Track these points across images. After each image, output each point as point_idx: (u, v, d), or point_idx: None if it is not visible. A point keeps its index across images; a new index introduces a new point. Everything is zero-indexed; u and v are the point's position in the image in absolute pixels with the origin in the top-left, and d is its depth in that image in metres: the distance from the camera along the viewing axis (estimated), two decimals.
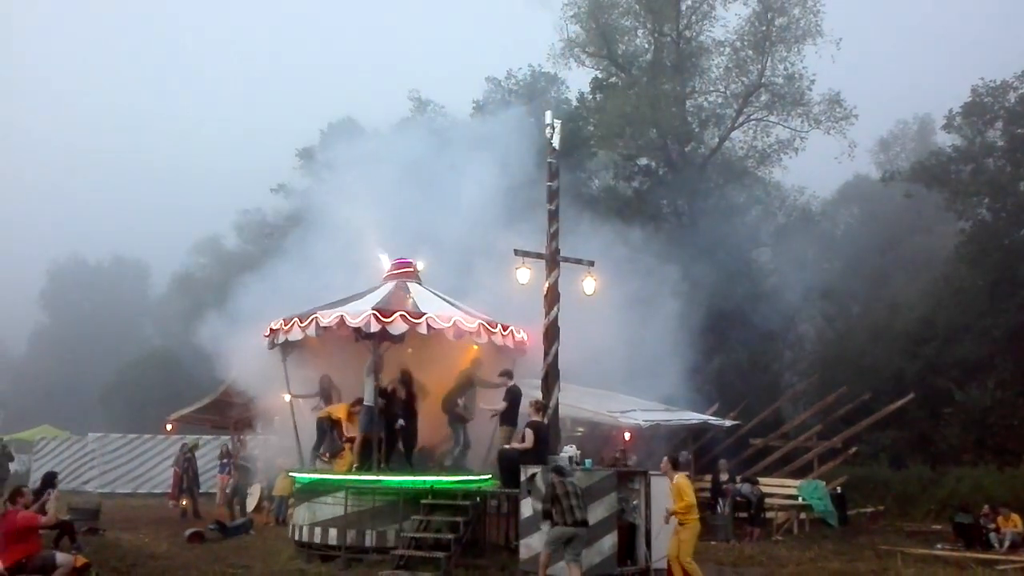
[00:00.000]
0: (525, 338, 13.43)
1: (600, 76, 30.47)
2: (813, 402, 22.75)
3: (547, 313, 12.68)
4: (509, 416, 12.55)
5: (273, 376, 14.08)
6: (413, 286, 13.85)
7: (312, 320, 12.48)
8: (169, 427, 24.24)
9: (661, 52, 30.01)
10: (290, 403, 13.81)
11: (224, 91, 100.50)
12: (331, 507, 12.03)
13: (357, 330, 12.29)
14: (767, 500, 16.69)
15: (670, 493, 10.05)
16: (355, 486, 11.99)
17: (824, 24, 28.07)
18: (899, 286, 31.56)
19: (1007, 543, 14.66)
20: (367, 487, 11.98)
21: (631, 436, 17.14)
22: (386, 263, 14.59)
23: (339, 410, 13.29)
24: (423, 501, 11.62)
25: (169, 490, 21.23)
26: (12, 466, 22.42)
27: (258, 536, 15.11)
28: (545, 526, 9.74)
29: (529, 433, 11.51)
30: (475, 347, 13.40)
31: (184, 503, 18.98)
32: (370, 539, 11.77)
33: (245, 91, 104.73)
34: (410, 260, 14.54)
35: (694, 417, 18.58)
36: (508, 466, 11.60)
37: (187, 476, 19.29)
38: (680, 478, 10.07)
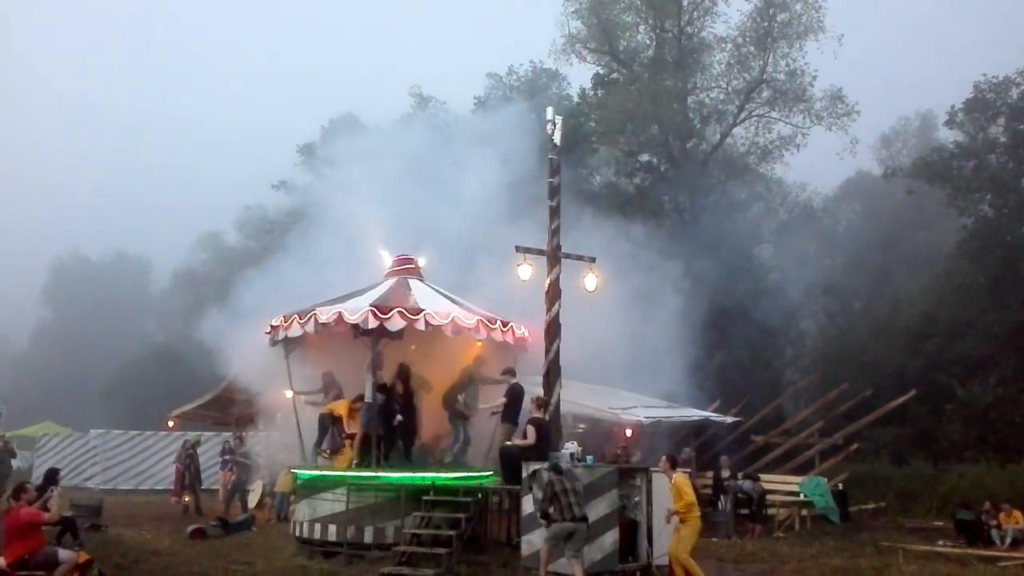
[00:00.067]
0: (526, 334, 13.42)
1: (601, 72, 30.42)
2: (815, 398, 22.76)
3: (548, 309, 12.68)
4: (510, 413, 12.55)
5: (275, 372, 14.09)
6: (414, 282, 13.86)
7: (311, 317, 12.49)
8: (171, 424, 24.28)
9: (663, 48, 29.96)
10: (292, 399, 13.83)
11: (225, 88, 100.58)
12: (333, 503, 12.04)
13: (355, 326, 12.29)
14: (768, 497, 16.68)
15: (669, 492, 10.05)
16: (356, 482, 12.00)
17: (826, 20, 28.04)
18: (901, 282, 31.53)
19: (1009, 540, 14.65)
20: (368, 483, 11.98)
21: (632, 433, 17.15)
22: (387, 259, 14.60)
23: (340, 406, 13.30)
24: (425, 497, 11.62)
25: (171, 487, 21.28)
26: (14, 463, 22.40)
27: (260, 533, 15.13)
28: (537, 530, 9.78)
29: (531, 430, 11.53)
30: (478, 344, 13.39)
31: (186, 499, 19.02)
32: (372, 535, 11.78)
33: (246, 88, 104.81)
34: (412, 256, 14.55)
35: (695, 414, 18.58)
36: (510, 463, 11.62)
37: (189, 473, 19.33)
38: (679, 477, 10.07)
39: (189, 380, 29.75)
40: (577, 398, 15.77)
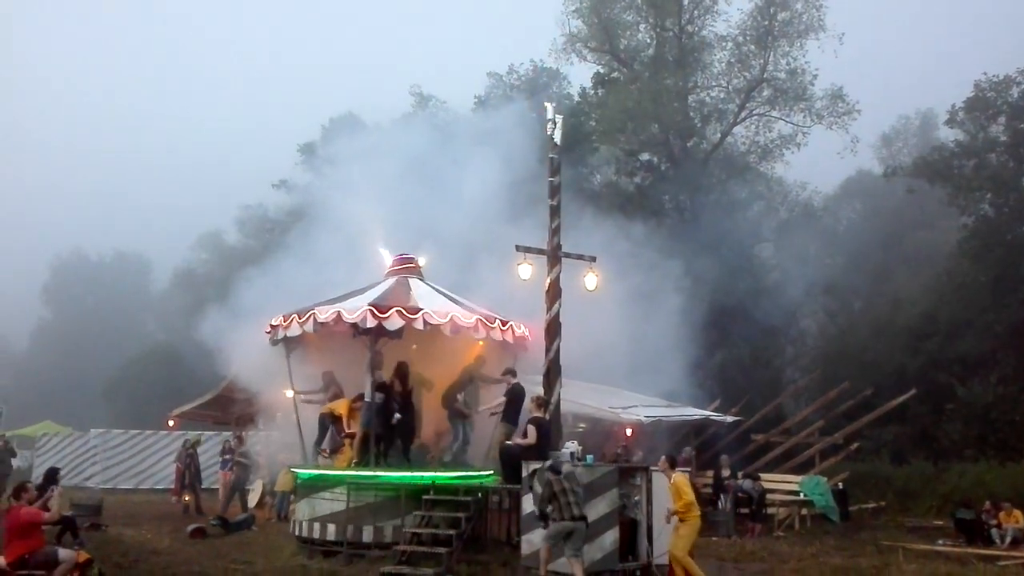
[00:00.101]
0: (526, 333, 13.41)
1: (602, 71, 30.41)
2: (815, 398, 22.75)
3: (549, 308, 12.68)
4: (510, 414, 12.55)
5: (275, 372, 14.09)
6: (414, 282, 13.85)
7: (310, 316, 12.49)
8: (171, 423, 24.29)
9: (663, 47, 29.96)
10: (293, 399, 13.83)
11: (225, 88, 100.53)
12: (333, 503, 12.03)
13: (354, 326, 12.29)
14: (768, 496, 16.68)
15: (669, 492, 10.05)
16: (356, 482, 12.00)
17: (827, 19, 28.08)
18: (901, 282, 31.53)
19: (1009, 539, 14.65)
20: (369, 483, 11.98)
21: (633, 432, 17.15)
22: (388, 259, 14.60)
23: (340, 406, 13.30)
24: (425, 497, 11.62)
25: (171, 486, 21.28)
26: (14, 462, 22.40)
27: (260, 532, 15.12)
28: (538, 530, 9.79)
29: (531, 429, 11.53)
30: (480, 343, 13.38)
31: (187, 499, 19.02)
32: (372, 535, 11.78)
33: (246, 88, 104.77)
34: (412, 256, 14.54)
35: (696, 413, 18.58)
36: (510, 462, 11.62)
37: (189, 472, 19.33)
38: (678, 476, 10.07)
39: (189, 379, 29.78)
40: (577, 397, 15.77)
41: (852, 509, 18.13)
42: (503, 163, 17.48)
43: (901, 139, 44.09)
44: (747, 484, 16.42)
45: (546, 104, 13.91)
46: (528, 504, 10.49)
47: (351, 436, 13.04)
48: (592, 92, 29.92)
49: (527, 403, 12.40)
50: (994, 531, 14.92)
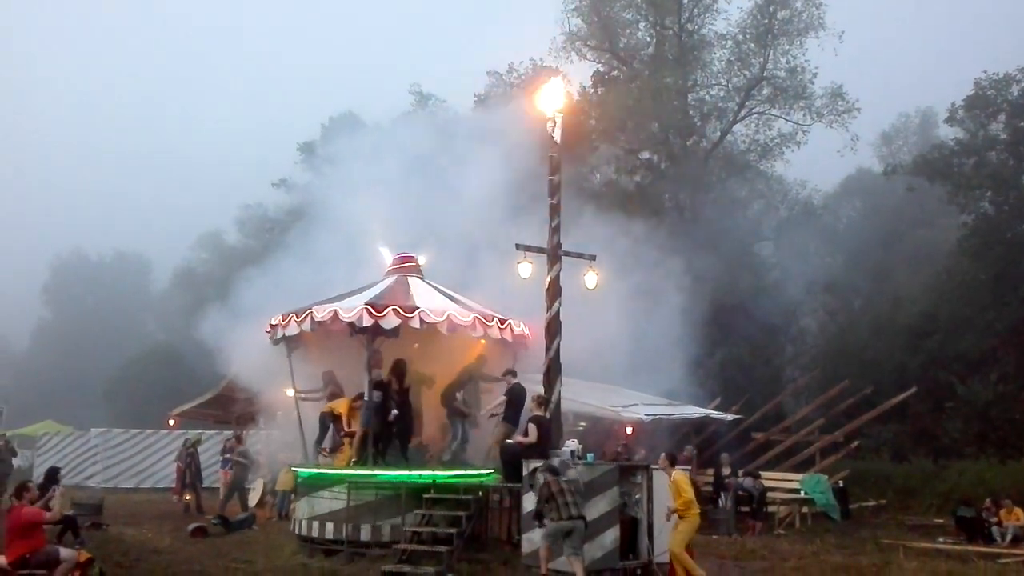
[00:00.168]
0: (526, 331, 13.41)
1: (602, 69, 30.39)
2: (815, 396, 22.76)
3: (549, 307, 12.66)
4: (510, 414, 12.55)
5: (275, 371, 14.10)
6: (413, 280, 13.85)
7: (307, 315, 12.51)
8: (171, 422, 24.30)
9: (663, 45, 29.95)
10: (294, 398, 13.84)
11: (225, 87, 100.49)
12: (333, 502, 12.04)
13: (351, 324, 12.29)
14: (769, 494, 16.70)
15: (669, 490, 10.07)
16: (357, 480, 12.01)
17: (826, 17, 28.08)
18: (901, 280, 31.52)
19: (1009, 536, 14.66)
20: (369, 481, 11.99)
21: (633, 430, 17.16)
22: (388, 257, 14.60)
23: (340, 405, 13.31)
24: (425, 495, 11.63)
25: (172, 485, 21.28)
26: (15, 462, 22.41)
27: (261, 531, 15.13)
28: (538, 529, 9.80)
29: (532, 428, 11.54)
30: (482, 342, 13.38)
31: (187, 498, 19.02)
32: (372, 534, 11.79)
33: (246, 87, 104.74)
34: (412, 255, 14.54)
35: (696, 411, 18.58)
36: (510, 460, 11.63)
37: (190, 471, 19.33)
38: (678, 474, 10.08)
39: (190, 379, 29.80)
40: (578, 396, 15.77)
41: (852, 507, 18.14)
42: (503, 162, 17.47)
43: (901, 137, 44.07)
44: (748, 482, 16.43)
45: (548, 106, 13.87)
46: (529, 503, 10.50)
47: (350, 435, 13.05)
48: (592, 91, 29.91)
49: (528, 402, 12.41)
50: (995, 529, 14.94)
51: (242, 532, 14.84)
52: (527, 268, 12.95)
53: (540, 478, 9.90)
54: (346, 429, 13.18)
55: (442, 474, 12.27)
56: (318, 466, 13.10)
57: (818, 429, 19.37)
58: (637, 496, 10.72)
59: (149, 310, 60.06)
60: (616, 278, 15.17)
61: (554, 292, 12.67)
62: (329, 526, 12.01)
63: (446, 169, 18.36)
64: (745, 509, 16.09)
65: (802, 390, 25.26)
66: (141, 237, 64.97)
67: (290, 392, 14.05)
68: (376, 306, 12.22)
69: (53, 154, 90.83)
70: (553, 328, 12.59)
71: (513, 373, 12.94)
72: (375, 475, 12.07)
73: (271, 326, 13.39)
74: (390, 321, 12.17)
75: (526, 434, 11.64)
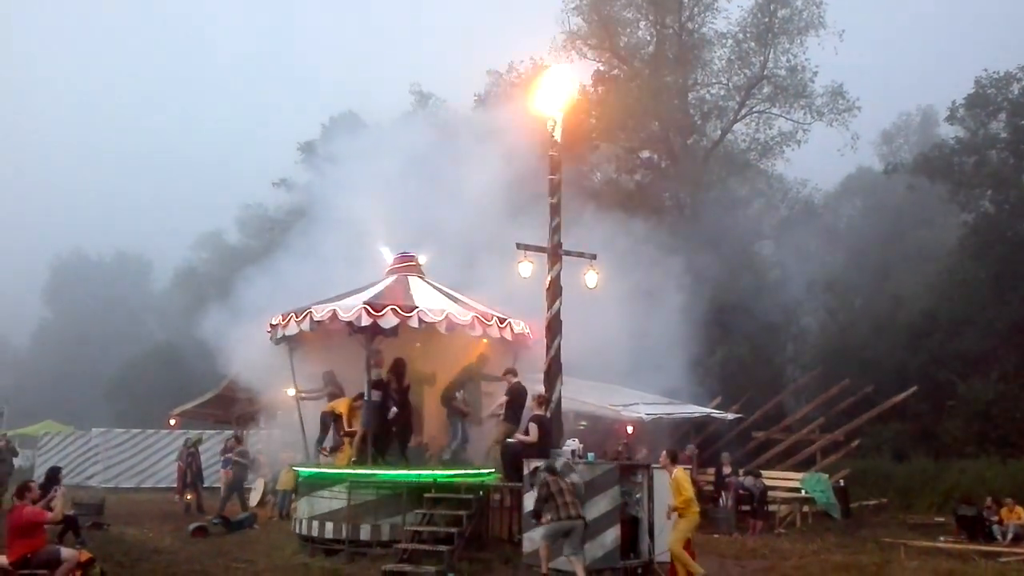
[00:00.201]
0: (526, 331, 13.39)
1: (602, 68, 30.39)
2: (816, 395, 22.74)
3: (549, 307, 12.65)
4: (510, 413, 12.55)
5: (276, 371, 14.09)
6: (413, 280, 13.84)
7: (307, 315, 12.51)
8: (172, 422, 24.30)
9: (663, 44, 29.96)
10: (295, 397, 13.84)
11: (225, 86, 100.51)
12: (334, 501, 12.04)
13: (349, 324, 12.30)
14: (770, 493, 16.69)
15: (669, 487, 10.07)
16: (358, 480, 12.01)
17: (827, 15, 28.09)
18: (902, 279, 31.52)
19: (1010, 535, 14.66)
20: (370, 481, 12.00)
21: (634, 429, 17.16)
22: (388, 257, 14.60)
23: (341, 404, 13.32)
24: (426, 495, 11.63)
25: (173, 485, 21.27)
26: (16, 461, 22.42)
27: (262, 531, 15.14)
28: (537, 528, 9.80)
29: (533, 427, 11.54)
30: (484, 342, 13.38)
31: (188, 498, 19.02)
32: (373, 533, 11.79)
33: (246, 86, 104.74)
34: (412, 254, 14.54)
35: (697, 410, 18.58)
36: (511, 459, 11.63)
37: (191, 471, 19.33)
38: (679, 472, 10.09)
39: (190, 379, 29.80)
40: (578, 395, 15.77)
41: (853, 506, 18.14)
42: (503, 161, 17.47)
43: (901, 136, 44.07)
44: (748, 481, 16.42)
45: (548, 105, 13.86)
46: (530, 502, 10.50)
47: (350, 435, 13.05)
48: (592, 90, 29.90)
49: (528, 401, 12.41)
50: (995, 527, 14.95)
51: (243, 532, 14.85)
52: (527, 267, 12.94)
53: (540, 477, 9.90)
54: (346, 429, 13.19)
55: (443, 473, 12.28)
56: (319, 466, 13.10)
57: (819, 428, 19.38)
58: (638, 495, 10.72)
59: (150, 310, 60.08)
60: (616, 277, 15.15)
61: (554, 291, 12.66)
62: (330, 525, 12.01)
63: (446, 168, 18.36)
64: (746, 508, 16.09)
65: (803, 389, 25.26)
66: (141, 237, 65.10)
67: (291, 392, 14.04)
68: (374, 305, 12.23)
69: (53, 154, 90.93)
70: (554, 327, 12.57)
71: (513, 372, 12.93)
72: (375, 474, 12.07)
73: (271, 326, 13.40)
74: (388, 321, 12.17)
75: (527, 433, 11.64)
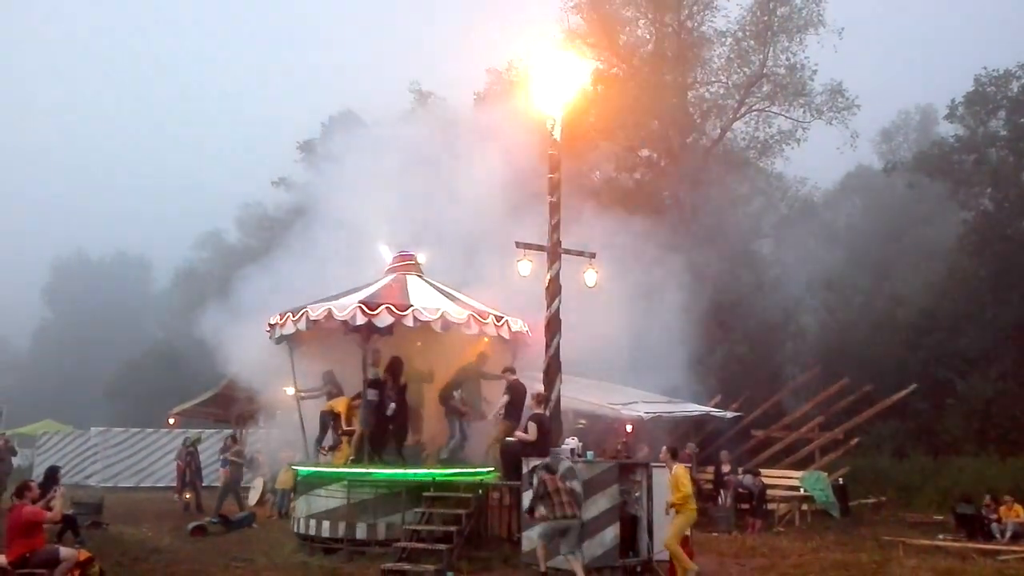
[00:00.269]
0: (524, 329, 13.38)
1: (601, 67, 30.34)
2: (815, 393, 22.70)
3: (549, 305, 12.66)
4: (511, 411, 12.54)
5: (275, 370, 14.09)
6: (412, 279, 13.83)
7: (303, 314, 12.52)
8: (171, 421, 24.30)
9: (662, 42, 29.90)
10: (295, 397, 13.84)
11: (224, 86, 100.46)
12: (333, 500, 12.05)
13: (345, 323, 12.30)
14: (769, 491, 16.68)
15: (668, 483, 10.09)
16: (357, 479, 12.01)
17: (826, 14, 28.01)
18: (901, 277, 31.52)
19: (1009, 533, 14.65)
20: (369, 480, 11.99)
21: (633, 428, 17.15)
22: (387, 256, 14.59)
23: (340, 404, 13.33)
24: (425, 494, 11.63)
25: (172, 484, 21.27)
26: (15, 461, 22.43)
27: (261, 530, 15.14)
28: (535, 527, 9.79)
29: (532, 426, 11.55)
30: (485, 340, 13.37)
31: (187, 497, 19.02)
32: (372, 532, 11.79)
33: (245, 86, 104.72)
34: (411, 253, 14.53)
35: (696, 409, 18.57)
36: (510, 458, 11.63)
37: (190, 470, 19.33)
38: (678, 468, 10.11)
39: (190, 378, 29.82)
40: (578, 394, 15.77)
41: (852, 504, 18.12)
42: (503, 160, 17.46)
43: (901, 134, 44.04)
44: (747, 480, 16.42)
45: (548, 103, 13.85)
46: (527, 500, 10.50)
47: (349, 434, 13.06)
48: (591, 88, 29.83)
49: (528, 400, 12.40)
50: (994, 525, 14.92)
51: (242, 531, 14.85)
52: (527, 266, 12.94)
53: (538, 475, 9.91)
54: (344, 427, 13.19)
55: (442, 472, 12.28)
56: (317, 464, 13.10)
57: (818, 426, 19.35)
58: (637, 494, 10.73)
59: (149, 310, 60.12)
60: (616, 276, 15.16)
61: (554, 290, 12.67)
62: (328, 524, 12.01)
63: (446, 167, 18.35)
64: (745, 506, 16.09)
65: (802, 387, 25.22)
66: (141, 237, 65.15)
67: (290, 391, 14.04)
68: (369, 304, 12.23)
69: (53, 154, 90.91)
70: (553, 326, 12.58)
71: (512, 371, 12.93)
72: (374, 473, 12.07)
73: (270, 326, 13.40)
74: (383, 319, 12.18)
75: (526, 431, 11.64)
